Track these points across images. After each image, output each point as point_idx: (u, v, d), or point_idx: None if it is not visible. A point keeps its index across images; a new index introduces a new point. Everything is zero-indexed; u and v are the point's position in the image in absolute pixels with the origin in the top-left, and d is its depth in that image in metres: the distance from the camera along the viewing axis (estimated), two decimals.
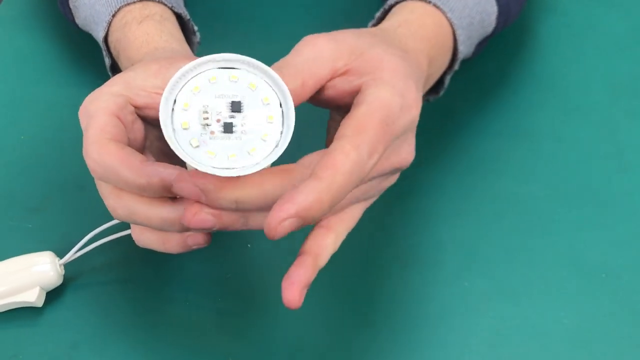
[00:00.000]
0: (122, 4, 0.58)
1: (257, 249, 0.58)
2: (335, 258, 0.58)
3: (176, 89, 0.43)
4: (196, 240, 0.48)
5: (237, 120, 0.42)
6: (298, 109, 0.45)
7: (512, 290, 0.57)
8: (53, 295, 0.56)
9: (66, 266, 0.56)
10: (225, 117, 0.42)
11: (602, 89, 0.68)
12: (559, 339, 0.55)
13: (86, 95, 0.49)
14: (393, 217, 0.60)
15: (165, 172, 0.44)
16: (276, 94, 0.43)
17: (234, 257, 0.58)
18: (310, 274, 0.45)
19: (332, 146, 0.43)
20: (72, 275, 0.57)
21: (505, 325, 0.56)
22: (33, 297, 0.54)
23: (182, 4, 0.63)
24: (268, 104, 0.43)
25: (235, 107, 0.42)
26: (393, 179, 0.50)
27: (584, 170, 0.63)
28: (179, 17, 0.61)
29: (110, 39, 0.59)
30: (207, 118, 0.42)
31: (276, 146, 0.42)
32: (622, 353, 0.55)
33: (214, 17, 0.72)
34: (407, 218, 0.60)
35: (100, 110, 0.46)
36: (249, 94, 0.43)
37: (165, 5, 0.59)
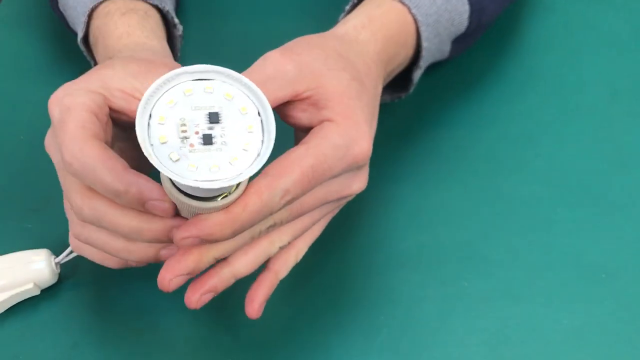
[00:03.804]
0: (96, 2, 0.58)
1: None
2: (335, 259, 0.58)
3: (150, 103, 0.41)
4: (172, 252, 0.48)
5: (216, 131, 0.41)
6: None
7: (512, 290, 0.57)
8: (51, 296, 0.56)
9: (62, 265, 0.56)
10: (204, 128, 0.41)
11: (602, 89, 0.68)
12: (558, 339, 0.55)
13: None
14: (393, 217, 0.60)
15: (145, 185, 0.44)
16: (253, 102, 0.42)
17: None
18: (270, 290, 0.51)
19: (254, 182, 0.45)
20: (68, 274, 0.57)
21: (505, 325, 0.56)
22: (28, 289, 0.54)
23: None
24: (246, 113, 0.42)
25: (213, 118, 0.41)
26: (349, 199, 0.53)
27: (584, 170, 0.63)
28: (160, 12, 0.60)
29: (91, 27, 0.58)
30: (185, 131, 0.41)
31: (258, 155, 0.41)
32: (622, 353, 0.55)
33: (213, 18, 0.72)
34: (407, 218, 0.60)
35: (79, 106, 0.45)
36: (226, 105, 0.42)
37: (150, 3, 0.59)
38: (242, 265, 0.49)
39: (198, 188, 0.40)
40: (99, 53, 0.57)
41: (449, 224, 0.60)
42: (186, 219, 0.45)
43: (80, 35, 0.59)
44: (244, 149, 0.41)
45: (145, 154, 0.40)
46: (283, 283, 0.52)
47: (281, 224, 0.48)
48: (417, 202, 0.61)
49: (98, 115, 0.46)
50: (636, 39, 0.71)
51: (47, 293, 0.56)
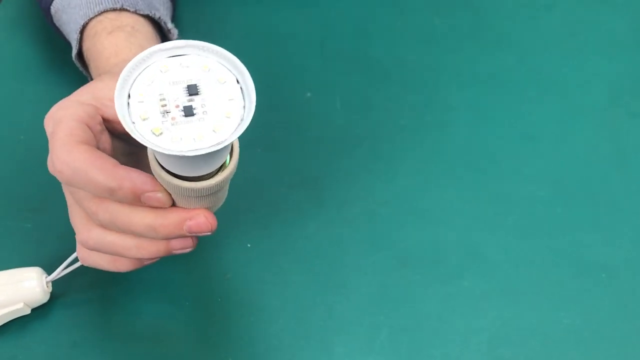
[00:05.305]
0: (87, 19, 0.58)
1: (257, 249, 0.58)
2: (336, 257, 0.58)
3: (128, 82, 0.42)
4: (186, 243, 0.48)
5: (197, 102, 0.41)
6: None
7: (512, 290, 0.57)
8: (41, 315, 0.55)
9: (54, 283, 0.55)
10: (184, 101, 0.41)
11: (602, 89, 0.68)
12: (558, 339, 0.55)
13: None
14: (393, 216, 0.60)
15: (138, 178, 0.44)
16: (231, 72, 0.42)
17: (234, 257, 0.58)
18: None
19: None
20: (60, 293, 0.56)
21: (505, 325, 0.56)
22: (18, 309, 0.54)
23: (157, 4, 0.62)
24: (225, 82, 0.42)
25: (192, 90, 0.41)
26: None
27: (584, 170, 0.63)
28: (153, 19, 0.60)
29: (83, 48, 0.59)
30: (165, 105, 0.41)
31: (241, 120, 0.41)
32: (622, 353, 0.55)
33: (212, 21, 0.72)
34: (407, 218, 0.60)
35: (68, 116, 0.46)
36: (204, 77, 0.42)
37: (140, 15, 0.59)
38: None
39: (185, 158, 0.40)
40: (92, 74, 0.58)
41: (449, 224, 0.60)
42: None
43: (74, 52, 0.60)
44: (227, 117, 0.41)
45: (127, 129, 0.40)
46: (283, 283, 0.52)
47: None
48: (417, 201, 0.61)
49: (89, 124, 0.46)
50: (636, 39, 0.71)
51: (38, 312, 0.55)
